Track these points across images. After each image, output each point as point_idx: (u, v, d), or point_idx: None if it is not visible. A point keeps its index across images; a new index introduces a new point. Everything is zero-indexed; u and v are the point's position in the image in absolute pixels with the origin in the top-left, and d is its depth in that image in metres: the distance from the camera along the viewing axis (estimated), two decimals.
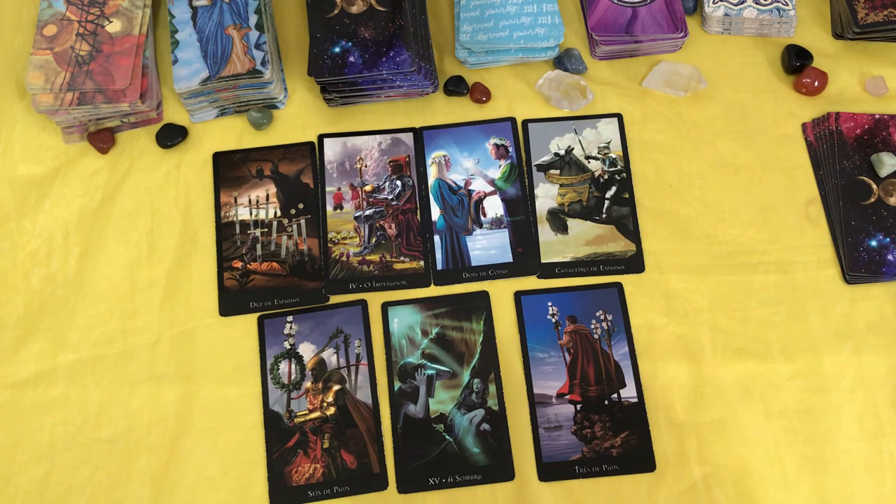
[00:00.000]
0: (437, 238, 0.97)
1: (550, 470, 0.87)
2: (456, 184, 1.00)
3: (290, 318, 0.93)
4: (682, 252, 0.96)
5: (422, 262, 0.96)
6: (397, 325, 0.93)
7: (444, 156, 1.01)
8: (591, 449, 0.87)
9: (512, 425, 0.89)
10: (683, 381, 0.90)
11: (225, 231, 0.98)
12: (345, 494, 0.86)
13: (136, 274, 0.96)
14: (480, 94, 1.03)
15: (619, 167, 1.00)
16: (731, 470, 0.86)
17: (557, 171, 1.00)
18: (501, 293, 0.94)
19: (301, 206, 0.99)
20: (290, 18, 1.09)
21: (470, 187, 1.00)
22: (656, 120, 1.02)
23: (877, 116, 1.00)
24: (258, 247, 0.97)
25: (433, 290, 0.95)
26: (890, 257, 0.93)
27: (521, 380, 0.91)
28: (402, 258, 0.96)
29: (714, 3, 1.06)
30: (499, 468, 0.87)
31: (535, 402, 0.89)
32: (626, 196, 0.99)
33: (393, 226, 0.98)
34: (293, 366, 0.92)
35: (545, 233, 0.97)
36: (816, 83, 1.02)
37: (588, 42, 1.08)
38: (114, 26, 1.01)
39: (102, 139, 1.01)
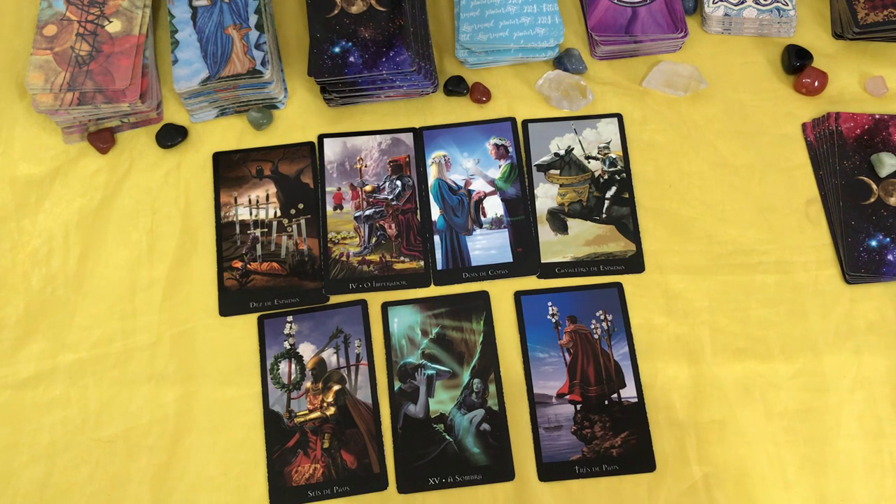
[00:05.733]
0: (437, 238, 0.97)
1: (550, 470, 0.87)
2: (456, 184, 1.00)
3: (290, 318, 0.93)
4: (682, 252, 0.96)
5: (422, 262, 0.96)
6: (397, 325, 0.93)
7: (444, 156, 1.01)
8: (591, 449, 0.87)
9: (512, 425, 0.89)
10: (683, 381, 0.90)
11: (225, 231, 0.98)
12: (345, 494, 0.86)
13: (136, 274, 0.96)
14: (480, 94, 1.03)
15: (619, 167, 1.00)
16: (731, 470, 0.86)
17: (557, 171, 1.00)
18: (501, 293, 0.94)
19: (301, 206, 0.99)
20: (290, 18, 1.09)
21: (470, 187, 1.00)
22: (656, 120, 1.02)
23: (877, 116, 1.00)
24: (258, 247, 0.97)
25: (433, 290, 0.95)
26: (890, 257, 0.93)
27: (521, 380, 0.90)
28: (402, 258, 0.96)
29: (714, 3, 1.06)
30: (499, 468, 0.87)
31: (535, 402, 0.89)
32: (626, 196, 0.99)
33: (393, 226, 0.98)
34: (293, 366, 0.91)
35: (545, 233, 0.97)
36: (816, 83, 1.02)
37: (588, 42, 1.08)
38: (114, 26, 1.01)
39: (102, 139, 1.01)
